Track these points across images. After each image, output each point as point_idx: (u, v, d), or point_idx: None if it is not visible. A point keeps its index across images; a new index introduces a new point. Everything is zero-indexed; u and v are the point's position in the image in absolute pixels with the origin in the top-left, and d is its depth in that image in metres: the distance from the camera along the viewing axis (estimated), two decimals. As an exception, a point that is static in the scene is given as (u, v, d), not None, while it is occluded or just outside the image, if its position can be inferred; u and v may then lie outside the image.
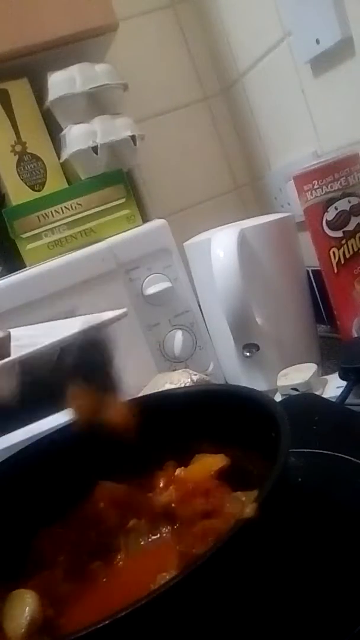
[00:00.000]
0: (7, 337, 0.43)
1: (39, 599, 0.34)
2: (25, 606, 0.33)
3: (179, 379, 0.65)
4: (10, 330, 0.48)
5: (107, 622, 0.25)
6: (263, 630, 0.30)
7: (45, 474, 0.44)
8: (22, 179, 0.76)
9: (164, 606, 0.26)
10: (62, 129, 0.76)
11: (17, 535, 0.41)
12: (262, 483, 0.30)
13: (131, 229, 0.76)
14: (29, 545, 0.41)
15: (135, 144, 0.77)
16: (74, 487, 0.43)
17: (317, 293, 0.80)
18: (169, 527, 0.39)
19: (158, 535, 0.39)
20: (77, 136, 0.74)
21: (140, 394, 0.51)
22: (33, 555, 0.40)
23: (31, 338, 0.45)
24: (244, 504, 0.35)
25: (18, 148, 0.76)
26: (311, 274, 0.78)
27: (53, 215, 0.75)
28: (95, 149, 0.74)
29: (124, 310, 0.43)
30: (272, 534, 0.31)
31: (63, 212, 0.75)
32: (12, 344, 0.43)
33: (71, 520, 0.42)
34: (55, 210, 0.75)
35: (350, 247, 0.65)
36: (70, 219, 0.75)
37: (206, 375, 0.70)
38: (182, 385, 0.63)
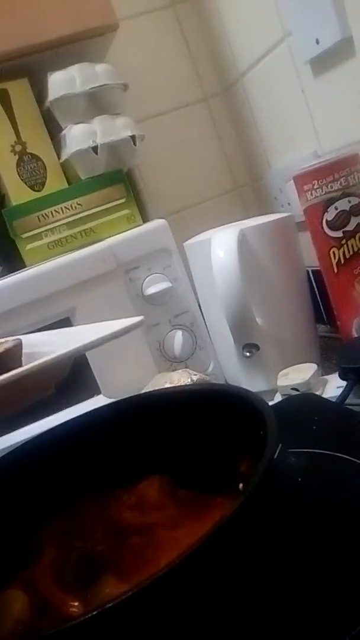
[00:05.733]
0: (19, 346, 0.42)
1: (27, 599, 0.34)
2: (11, 606, 0.33)
3: (178, 379, 0.65)
4: (26, 336, 0.48)
5: (93, 612, 0.25)
6: (261, 632, 0.30)
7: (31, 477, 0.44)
8: (22, 179, 0.76)
9: (140, 607, 0.26)
10: (62, 129, 0.76)
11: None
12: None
13: (131, 229, 0.76)
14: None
15: (135, 144, 0.77)
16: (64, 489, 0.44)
17: (317, 293, 0.80)
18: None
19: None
20: (77, 136, 0.74)
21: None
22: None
23: (44, 346, 0.44)
24: None
25: (18, 148, 0.76)
26: (311, 274, 0.78)
27: (53, 215, 0.75)
28: (95, 149, 0.74)
29: (141, 318, 0.41)
30: (259, 530, 0.31)
31: (63, 212, 0.75)
32: (25, 350, 0.42)
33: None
34: (55, 210, 0.75)
35: (350, 247, 0.65)
36: (70, 219, 0.75)
37: (206, 375, 0.70)
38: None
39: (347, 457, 0.43)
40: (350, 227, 0.65)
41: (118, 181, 0.77)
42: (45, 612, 0.34)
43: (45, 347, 0.43)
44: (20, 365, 0.40)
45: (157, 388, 0.63)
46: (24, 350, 0.43)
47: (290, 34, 0.74)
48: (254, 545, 0.31)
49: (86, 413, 0.47)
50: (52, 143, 0.78)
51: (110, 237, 0.75)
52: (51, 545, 0.40)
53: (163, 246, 0.75)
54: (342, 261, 0.66)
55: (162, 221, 0.76)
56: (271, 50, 0.80)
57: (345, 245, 0.65)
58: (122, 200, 0.77)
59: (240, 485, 0.35)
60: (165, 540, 0.37)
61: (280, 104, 0.83)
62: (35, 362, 0.36)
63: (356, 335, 0.67)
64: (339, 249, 0.66)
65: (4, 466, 0.44)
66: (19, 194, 0.76)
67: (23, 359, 0.42)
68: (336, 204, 0.64)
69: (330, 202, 0.64)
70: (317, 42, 0.67)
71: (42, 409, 0.70)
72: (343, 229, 0.65)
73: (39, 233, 0.75)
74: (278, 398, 0.62)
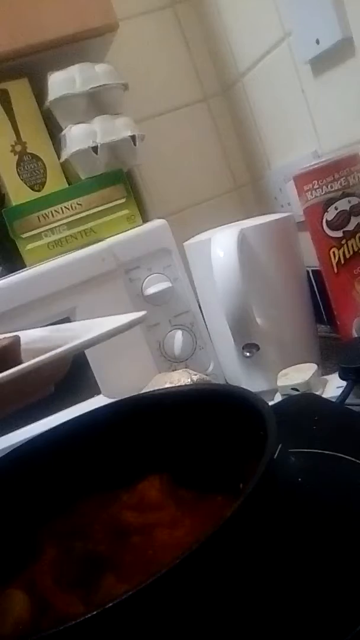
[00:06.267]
0: (17, 343, 0.41)
1: (27, 599, 0.34)
2: (11, 606, 0.33)
3: (179, 379, 0.65)
4: (24, 331, 0.47)
5: (93, 612, 0.25)
6: (261, 632, 0.30)
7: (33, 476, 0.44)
8: (22, 179, 0.76)
9: (138, 608, 0.26)
10: (62, 129, 0.76)
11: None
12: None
13: (131, 229, 0.76)
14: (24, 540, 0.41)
15: (135, 144, 0.77)
16: (66, 489, 0.44)
17: (317, 293, 0.80)
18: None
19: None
20: (77, 136, 0.74)
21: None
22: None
23: (44, 341, 0.43)
24: None
25: (18, 148, 0.76)
26: (311, 274, 0.78)
27: (53, 215, 0.75)
28: (95, 149, 0.74)
29: (144, 313, 0.40)
30: (259, 530, 0.31)
31: (63, 212, 0.75)
32: (24, 347, 0.41)
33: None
34: (55, 210, 0.75)
35: (350, 247, 0.65)
36: (70, 219, 0.75)
37: (206, 375, 0.70)
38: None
39: (347, 457, 0.43)
40: (350, 227, 0.65)
41: (118, 181, 0.77)
42: (45, 612, 0.34)
43: (45, 343, 0.42)
44: (19, 363, 0.38)
45: (157, 388, 0.63)
46: (24, 347, 0.41)
47: (290, 34, 0.74)
48: (254, 545, 0.31)
49: (86, 413, 0.47)
50: (52, 143, 0.78)
51: (110, 237, 0.75)
52: (51, 545, 0.40)
53: (163, 246, 0.75)
54: (342, 261, 0.66)
55: (162, 221, 0.76)
56: (271, 50, 0.80)
57: (345, 245, 0.65)
58: (122, 200, 0.77)
59: (241, 485, 0.35)
60: (165, 540, 0.37)
61: (280, 104, 0.83)
62: (33, 360, 0.34)
63: (356, 335, 0.67)
64: (339, 249, 0.66)
65: (4, 466, 0.44)
66: (19, 194, 0.76)
67: (23, 355, 0.41)
68: (336, 204, 0.64)
69: (330, 202, 0.64)
70: (317, 42, 0.67)
71: (42, 409, 0.70)
72: (343, 229, 0.65)
73: (39, 233, 0.75)
74: (278, 398, 0.62)
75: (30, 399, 0.39)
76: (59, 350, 0.35)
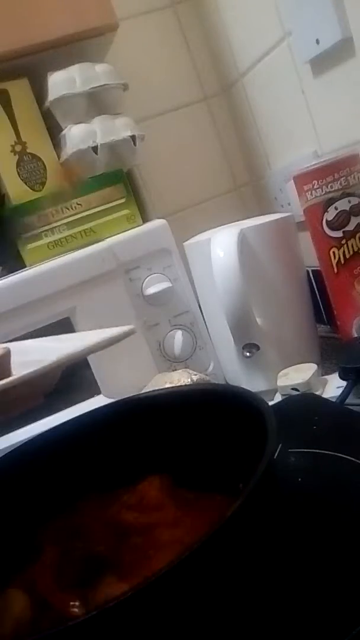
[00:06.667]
0: (7, 355, 0.41)
1: (27, 599, 0.34)
2: (11, 606, 0.33)
3: (178, 379, 0.65)
4: (21, 342, 0.47)
5: (93, 612, 0.25)
6: (261, 632, 0.30)
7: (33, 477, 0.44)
8: (22, 179, 0.76)
9: (135, 610, 0.26)
10: (62, 129, 0.76)
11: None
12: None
13: (131, 229, 0.76)
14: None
15: (135, 144, 0.77)
16: (65, 489, 0.44)
17: (317, 293, 0.80)
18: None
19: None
20: (77, 136, 0.74)
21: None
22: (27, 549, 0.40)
23: (34, 352, 0.43)
24: None
25: (18, 148, 0.76)
26: (311, 274, 0.78)
27: (53, 216, 0.75)
28: (95, 149, 0.74)
29: (131, 327, 0.42)
30: (259, 530, 0.31)
31: (63, 212, 0.75)
32: (16, 358, 0.42)
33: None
34: (55, 210, 0.75)
35: (350, 247, 0.65)
36: (70, 219, 0.75)
37: (206, 375, 0.70)
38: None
39: (347, 457, 0.43)
40: (350, 227, 0.65)
41: (118, 181, 0.77)
42: (45, 612, 0.34)
43: (38, 354, 0.42)
44: (9, 375, 0.39)
45: (157, 388, 0.63)
46: (16, 358, 0.42)
47: (290, 34, 0.74)
48: (254, 545, 0.31)
49: (86, 413, 0.47)
50: (52, 143, 0.78)
51: (110, 237, 0.75)
52: (51, 545, 0.40)
53: (163, 246, 0.75)
54: (342, 261, 0.66)
55: (162, 221, 0.76)
56: (271, 50, 0.80)
57: (345, 245, 0.65)
58: (122, 200, 0.77)
59: (240, 485, 0.35)
60: (166, 540, 0.37)
61: (280, 104, 0.83)
62: (22, 373, 0.35)
63: (356, 335, 0.67)
64: (339, 249, 0.66)
65: (4, 466, 0.44)
66: (19, 194, 0.76)
67: (14, 367, 0.41)
68: (336, 204, 0.64)
69: (330, 202, 0.64)
70: (317, 42, 0.67)
71: (42, 409, 0.70)
72: (343, 229, 0.65)
73: (39, 233, 0.75)
74: (278, 398, 0.63)
75: (19, 409, 0.40)
76: (46, 363, 0.36)
